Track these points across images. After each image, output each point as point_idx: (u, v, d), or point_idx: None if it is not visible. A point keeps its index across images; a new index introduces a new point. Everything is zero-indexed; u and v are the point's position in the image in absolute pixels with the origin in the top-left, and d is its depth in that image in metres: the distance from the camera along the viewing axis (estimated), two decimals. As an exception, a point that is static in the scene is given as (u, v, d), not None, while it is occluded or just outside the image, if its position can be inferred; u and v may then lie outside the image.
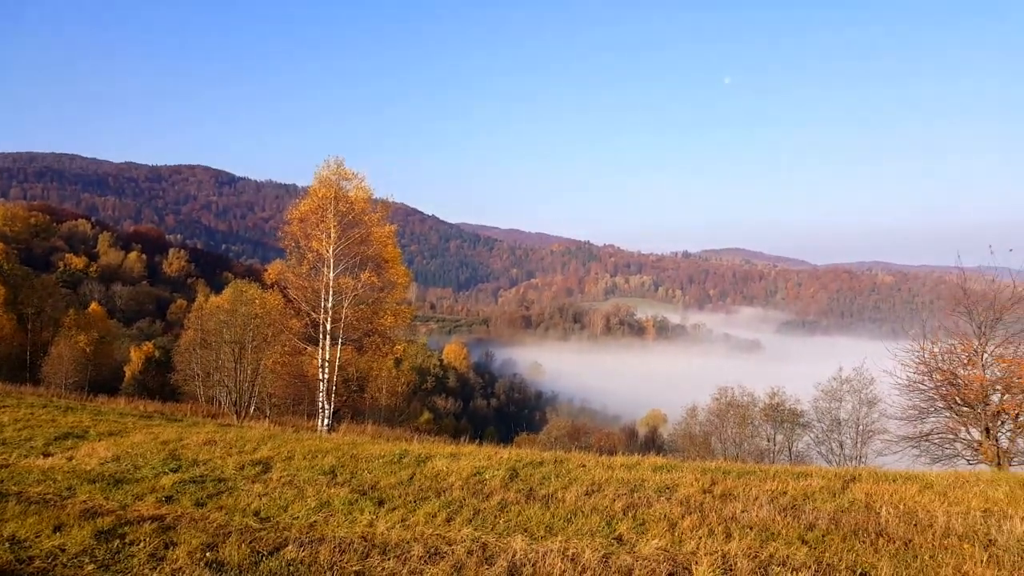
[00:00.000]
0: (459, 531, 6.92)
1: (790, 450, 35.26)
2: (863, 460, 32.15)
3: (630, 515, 7.42)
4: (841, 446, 33.70)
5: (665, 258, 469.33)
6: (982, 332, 19.39)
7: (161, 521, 7.25)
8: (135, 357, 57.26)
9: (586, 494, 8.49)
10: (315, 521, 7.34)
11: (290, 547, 6.40)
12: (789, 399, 36.90)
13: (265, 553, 6.27)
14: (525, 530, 6.94)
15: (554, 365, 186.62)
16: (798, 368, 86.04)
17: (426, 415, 69.69)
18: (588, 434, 55.26)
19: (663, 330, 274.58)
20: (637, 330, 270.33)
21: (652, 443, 49.40)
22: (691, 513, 7.32)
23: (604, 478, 9.42)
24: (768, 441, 36.10)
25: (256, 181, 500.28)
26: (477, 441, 16.88)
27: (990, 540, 6.04)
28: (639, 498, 8.22)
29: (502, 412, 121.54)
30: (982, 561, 5.45)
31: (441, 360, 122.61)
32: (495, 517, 7.42)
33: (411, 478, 9.41)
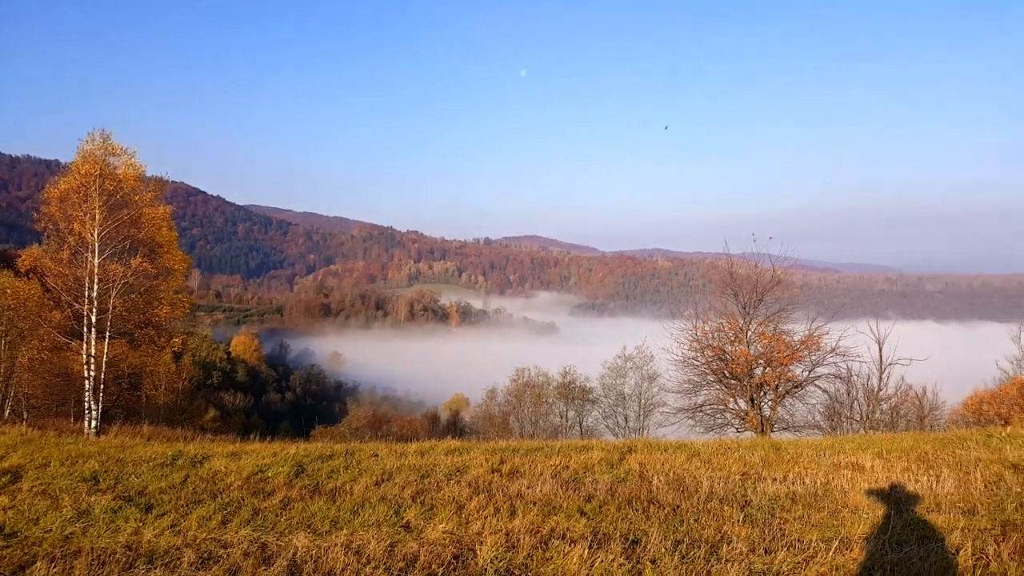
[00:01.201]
0: (236, 533, 6.40)
1: (581, 425, 37.27)
2: (645, 431, 34.63)
3: (419, 501, 7.26)
4: (626, 419, 36.12)
5: (468, 245, 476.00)
6: (747, 312, 21.23)
7: None
8: None
9: (376, 484, 8.21)
10: (71, 533, 6.46)
11: (39, 564, 5.54)
12: (580, 377, 38.91)
13: (7, 574, 5.39)
14: (308, 527, 6.57)
15: (356, 354, 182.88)
16: (589, 348, 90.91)
17: (212, 413, 65.21)
18: (390, 423, 54.76)
19: (467, 315, 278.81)
20: (441, 316, 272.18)
21: (454, 427, 49.91)
22: (479, 494, 7.30)
23: (396, 466, 9.18)
24: (561, 417, 37.92)
25: (11, 156, 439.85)
26: (269, 438, 15.92)
27: (746, 501, 6.51)
28: (429, 483, 8.08)
29: (299, 406, 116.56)
30: (738, 521, 5.85)
31: (228, 353, 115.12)
32: (276, 516, 6.95)
33: (184, 480, 8.62)
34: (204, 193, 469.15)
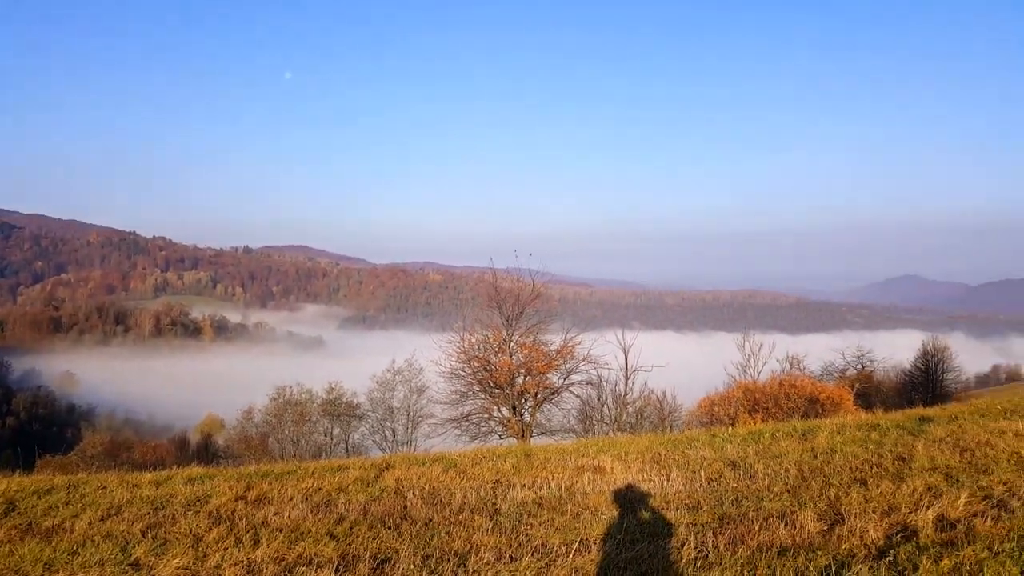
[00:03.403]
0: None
1: (347, 442, 36.32)
2: (414, 444, 34.64)
3: (151, 536, 6.52)
4: (394, 433, 35.82)
5: (224, 253, 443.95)
6: (510, 324, 22.08)
7: None
8: None
9: (101, 520, 7.27)
10: None
11: None
12: (347, 393, 37.97)
13: None
14: (17, 571, 5.64)
15: (92, 374, 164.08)
16: (358, 363, 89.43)
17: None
18: (131, 449, 49.59)
19: (222, 330, 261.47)
20: (193, 331, 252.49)
21: (206, 451, 46.39)
22: (220, 524, 6.71)
23: (127, 499, 8.21)
24: (326, 436, 36.71)
25: None
26: (-20, 471, 13.55)
27: (496, 509, 6.61)
28: (164, 516, 7.30)
29: (24, 432, 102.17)
30: (488, 530, 5.92)
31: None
32: (-29, 565, 5.87)
33: None
34: None
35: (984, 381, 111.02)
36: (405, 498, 7.19)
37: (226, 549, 5.89)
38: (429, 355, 23.22)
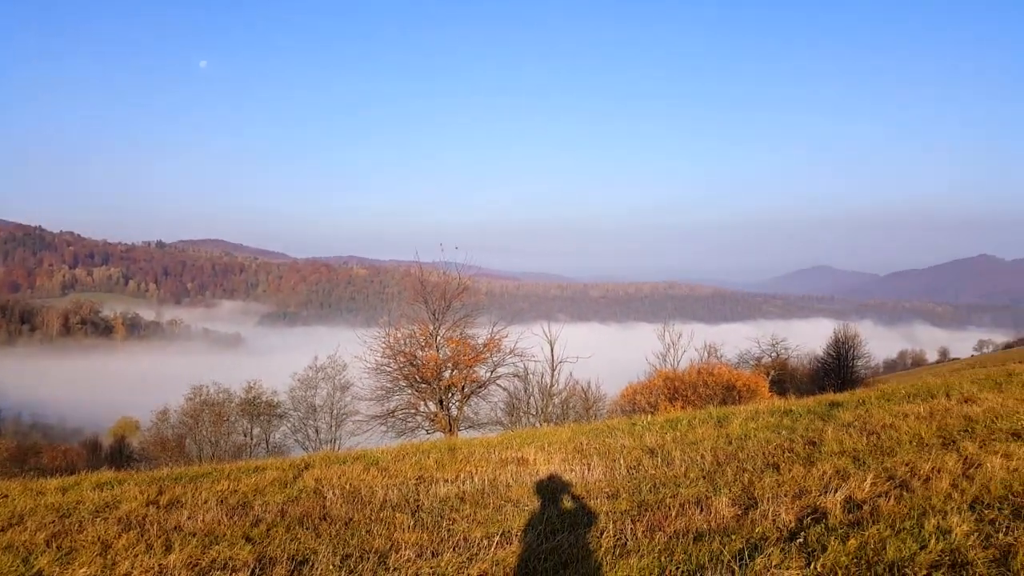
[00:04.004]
0: None
1: (268, 442, 35.62)
2: (338, 442, 34.17)
3: (55, 545, 6.20)
4: (317, 431, 35.32)
5: (136, 248, 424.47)
6: (436, 318, 21.99)
7: None
8: None
9: (1, 530, 6.87)
10: None
11: None
12: (267, 392, 37.18)
13: None
14: (-101, 596, 5.28)
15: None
16: (279, 360, 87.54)
17: None
18: (40, 454, 47.18)
19: (135, 328, 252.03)
20: (104, 329, 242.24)
21: (119, 454, 44.57)
22: (130, 530, 6.44)
23: (30, 507, 7.78)
24: (245, 436, 35.90)
25: None
26: None
27: (418, 505, 6.56)
28: (71, 524, 6.96)
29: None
30: (409, 527, 5.87)
31: None
32: None
33: None
34: None
35: (892, 366, 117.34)
36: (324, 498, 7.05)
37: (136, 556, 5.66)
38: (353, 351, 22.89)
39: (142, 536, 6.23)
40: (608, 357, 50.95)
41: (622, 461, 7.81)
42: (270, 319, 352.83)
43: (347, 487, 7.43)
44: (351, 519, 6.24)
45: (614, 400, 33.35)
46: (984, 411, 8.23)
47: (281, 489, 7.60)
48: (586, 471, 7.48)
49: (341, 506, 6.70)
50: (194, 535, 6.10)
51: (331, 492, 7.19)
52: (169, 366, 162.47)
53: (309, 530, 6.00)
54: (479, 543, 5.28)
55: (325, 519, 6.32)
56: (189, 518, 6.68)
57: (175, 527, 6.48)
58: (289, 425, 36.22)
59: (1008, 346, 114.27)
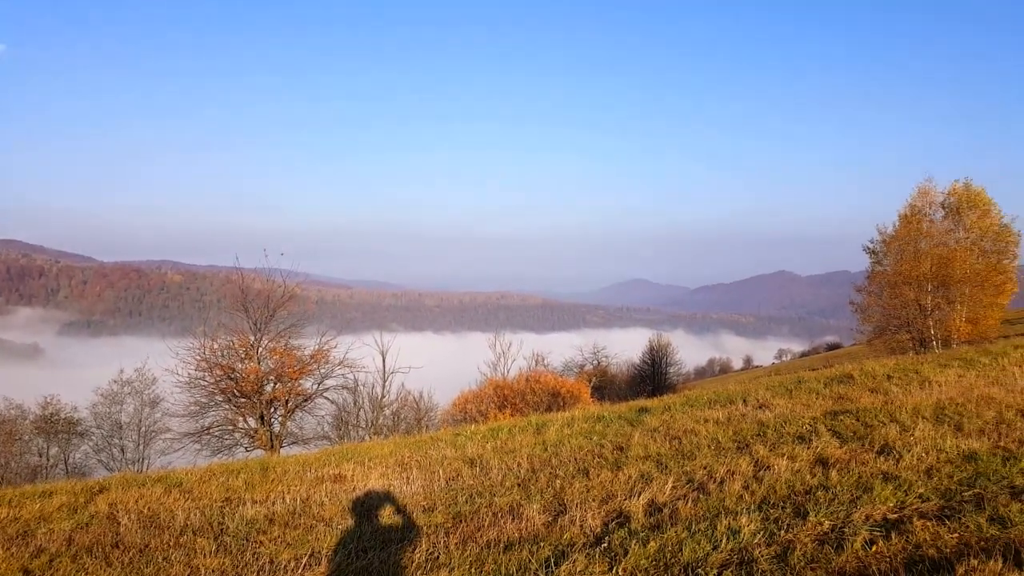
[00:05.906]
0: None
1: (67, 462, 32.39)
2: (146, 461, 31.65)
3: None
4: (123, 451, 32.52)
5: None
6: (258, 328, 20.97)
7: None
8: None
9: None
10: None
11: None
12: (66, 407, 33.84)
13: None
14: None
15: None
16: (82, 373, 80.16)
17: None
18: None
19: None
20: None
21: None
22: None
23: None
24: (41, 456, 32.48)
25: None
26: None
27: (223, 529, 6.22)
28: None
29: None
30: (211, 552, 5.55)
31: None
32: None
33: None
34: None
35: (702, 373, 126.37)
36: (119, 524, 6.50)
37: None
38: (164, 363, 21.22)
39: None
40: (443, 367, 51.09)
41: (441, 473, 7.81)
42: (73, 328, 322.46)
43: (145, 511, 6.90)
44: (147, 546, 5.79)
45: (446, 409, 33.42)
46: (775, 416, 8.95)
47: (70, 515, 6.93)
48: (404, 485, 7.42)
49: (137, 532, 6.20)
50: (-41, 573, 5.41)
51: (126, 517, 6.64)
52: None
53: (99, 559, 5.50)
54: (286, 566, 5.08)
55: (118, 546, 5.82)
56: (-44, 553, 5.92)
57: (-63, 565, 5.71)
58: (91, 444, 33.11)
59: (804, 354, 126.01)
